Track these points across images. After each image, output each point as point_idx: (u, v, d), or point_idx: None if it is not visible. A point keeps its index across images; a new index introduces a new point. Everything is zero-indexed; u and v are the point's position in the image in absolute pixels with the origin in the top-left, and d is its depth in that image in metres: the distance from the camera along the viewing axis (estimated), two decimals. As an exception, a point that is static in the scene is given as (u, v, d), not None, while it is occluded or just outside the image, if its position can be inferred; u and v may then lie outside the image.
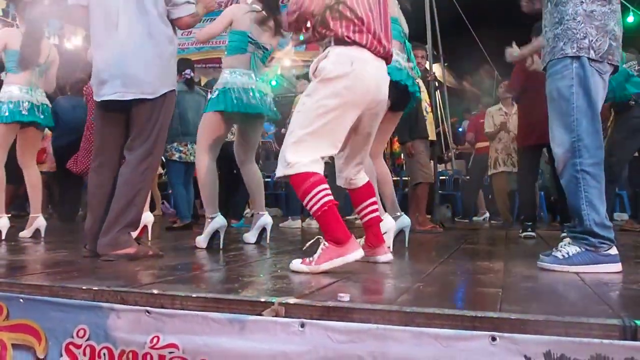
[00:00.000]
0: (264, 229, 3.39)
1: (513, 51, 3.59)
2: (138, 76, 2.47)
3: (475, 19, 7.64)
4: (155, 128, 2.53)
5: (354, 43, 2.07)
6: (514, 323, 1.28)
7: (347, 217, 6.37)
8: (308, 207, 2.06)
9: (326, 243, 2.04)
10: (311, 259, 2.04)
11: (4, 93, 3.57)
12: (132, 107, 2.51)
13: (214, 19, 3.46)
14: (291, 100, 5.82)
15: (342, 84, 2.04)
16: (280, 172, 2.10)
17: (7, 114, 3.50)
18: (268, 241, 3.41)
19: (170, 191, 8.42)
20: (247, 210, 6.48)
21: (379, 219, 2.40)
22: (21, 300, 1.64)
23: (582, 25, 2.11)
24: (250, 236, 3.38)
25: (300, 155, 2.04)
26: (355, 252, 2.04)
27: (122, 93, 2.47)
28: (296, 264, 2.06)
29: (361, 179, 2.37)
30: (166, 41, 2.55)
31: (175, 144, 4.93)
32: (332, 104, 2.03)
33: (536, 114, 3.62)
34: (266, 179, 6.83)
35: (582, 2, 2.12)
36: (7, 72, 3.63)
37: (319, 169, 2.07)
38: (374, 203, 2.39)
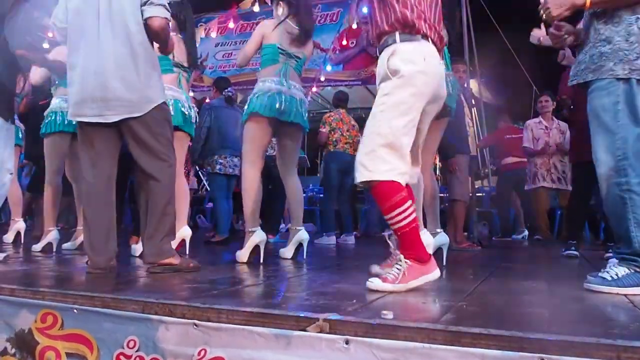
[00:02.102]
0: (300, 245, 3.41)
1: (539, 34, 3.24)
2: (120, 97, 2.43)
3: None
4: (160, 140, 2.53)
5: (420, 35, 2.08)
6: (563, 345, 1.26)
7: (385, 233, 6.34)
8: (393, 220, 2.00)
9: (408, 261, 2.00)
10: (393, 277, 1.99)
11: (54, 104, 3.72)
12: (121, 124, 2.50)
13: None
14: (320, 118, 5.88)
15: (420, 79, 2.03)
16: (364, 176, 2.01)
17: (58, 123, 3.63)
18: (305, 257, 3.43)
19: (207, 205, 8.61)
20: (282, 226, 6.54)
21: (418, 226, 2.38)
22: (75, 310, 1.70)
23: (636, 45, 2.05)
24: (287, 251, 3.41)
25: (388, 163, 1.98)
26: (436, 272, 2.05)
27: (106, 116, 2.46)
28: (378, 283, 1.99)
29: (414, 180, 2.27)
30: (148, 53, 2.52)
31: (216, 157, 5.03)
32: (412, 101, 2.03)
33: (586, 129, 3.51)
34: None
35: (637, 19, 2.07)
36: (58, 84, 3.77)
37: (405, 180, 2.03)
38: (415, 210, 2.37)
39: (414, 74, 2.03)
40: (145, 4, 2.47)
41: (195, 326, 1.53)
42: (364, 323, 1.41)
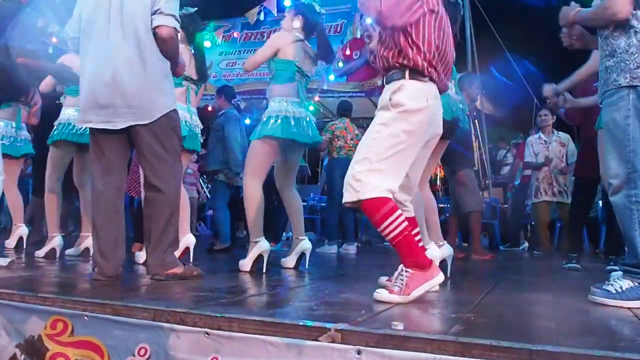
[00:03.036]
0: (302, 254, 3.42)
1: (550, 89, 3.52)
2: (130, 103, 2.44)
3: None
4: (168, 148, 2.53)
5: (428, 77, 2.16)
6: (573, 358, 1.28)
7: (386, 243, 6.36)
8: (386, 232, 2.05)
9: (409, 270, 2.03)
10: (398, 288, 2.02)
11: (63, 115, 3.76)
12: (129, 130, 2.51)
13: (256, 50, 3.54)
14: (321, 126, 5.92)
15: (417, 118, 2.11)
16: (352, 197, 2.08)
17: (64, 133, 3.68)
18: (307, 266, 3.44)
19: (208, 212, 8.61)
20: (284, 234, 6.54)
21: (424, 249, 2.41)
22: (86, 317, 1.71)
23: (636, 56, 2.11)
24: (289, 261, 3.41)
25: (374, 182, 2.05)
26: (439, 276, 2.08)
27: (114, 122, 2.47)
28: (385, 294, 2.02)
29: (411, 210, 2.38)
30: (159, 60, 2.53)
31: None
32: (406, 137, 2.10)
33: (592, 145, 3.55)
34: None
35: (636, 33, 2.13)
36: (66, 94, 3.81)
37: (392, 196, 2.09)
38: (419, 233, 2.41)
39: (413, 112, 2.11)
40: (155, 12, 2.49)
41: (206, 335, 1.55)
42: (376, 334, 1.43)
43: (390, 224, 2.03)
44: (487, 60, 7.90)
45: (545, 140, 5.81)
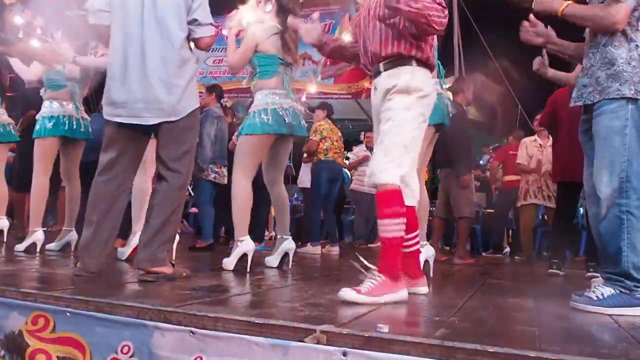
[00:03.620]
0: (286, 254, 3.41)
1: (542, 62, 3.06)
2: (161, 100, 2.46)
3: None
4: (185, 147, 2.55)
5: (429, 67, 2.29)
6: (557, 363, 1.30)
7: (370, 245, 6.39)
8: (385, 228, 2.09)
9: (382, 275, 2.05)
10: (366, 289, 2.02)
11: (45, 108, 3.69)
12: (155, 128, 2.52)
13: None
14: (309, 127, 5.91)
15: (429, 102, 2.26)
16: (382, 178, 2.11)
17: (48, 128, 3.61)
18: (290, 266, 3.43)
19: (191, 210, 8.54)
20: (266, 233, 6.53)
21: (419, 251, 2.43)
22: (68, 314, 1.69)
23: (638, 70, 2.12)
24: (273, 260, 3.39)
25: (402, 168, 2.14)
26: (402, 292, 2.10)
27: (145, 118, 2.47)
28: (350, 293, 2.01)
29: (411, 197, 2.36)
30: (188, 62, 2.56)
31: (212, 165, 5.01)
32: (423, 119, 2.23)
33: (576, 149, 3.56)
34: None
35: (637, 46, 2.14)
36: (47, 87, 3.75)
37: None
38: (418, 235, 2.43)
39: (427, 97, 2.24)
40: (193, 22, 2.54)
41: (191, 333, 1.53)
42: (361, 336, 1.43)
43: (395, 224, 2.08)
44: (474, 63, 7.97)
45: (540, 144, 5.77)
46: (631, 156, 2.09)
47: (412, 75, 2.21)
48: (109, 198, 2.50)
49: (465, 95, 4.92)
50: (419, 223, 2.42)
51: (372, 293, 2.01)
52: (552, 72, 3.08)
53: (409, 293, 2.25)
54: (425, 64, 2.26)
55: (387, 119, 2.18)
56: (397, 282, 2.07)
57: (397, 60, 2.24)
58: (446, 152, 4.76)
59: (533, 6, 2.32)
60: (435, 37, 2.84)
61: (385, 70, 2.26)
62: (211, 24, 2.59)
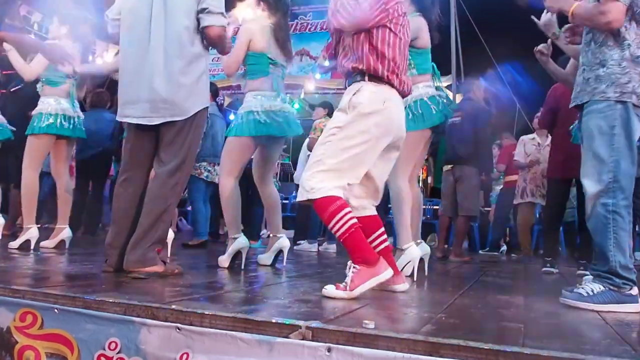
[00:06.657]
0: (280, 251, 3.41)
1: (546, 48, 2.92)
2: (167, 99, 2.45)
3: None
4: (186, 144, 2.52)
5: (387, 83, 2.21)
6: (537, 359, 1.30)
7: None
8: (334, 229, 2.10)
9: (356, 266, 2.07)
10: (345, 284, 2.05)
11: (42, 105, 3.69)
12: (161, 126, 2.52)
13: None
14: (309, 124, 5.89)
15: (373, 120, 2.16)
16: (302, 196, 2.15)
17: (43, 126, 3.61)
18: (284, 264, 3.44)
19: (189, 208, 8.56)
20: (264, 231, 6.54)
21: (390, 248, 2.43)
22: (56, 310, 1.69)
23: (627, 70, 2.11)
24: (266, 258, 3.39)
25: (325, 182, 2.11)
26: (386, 272, 2.10)
27: (150, 118, 2.48)
28: (331, 290, 2.05)
29: (372, 208, 2.40)
30: (197, 59, 2.53)
31: (204, 163, 5.02)
32: (362, 139, 2.15)
33: (568, 147, 3.55)
34: (284, 201, 6.90)
35: (629, 45, 2.14)
36: (44, 83, 3.74)
37: (342, 194, 2.13)
38: (384, 233, 2.42)
39: (369, 114, 2.17)
40: (202, 11, 2.49)
41: (178, 330, 1.54)
42: (346, 332, 1.44)
43: (338, 221, 2.07)
44: (473, 66, 7.97)
45: (538, 143, 5.74)
46: (619, 156, 2.09)
47: (357, 91, 2.19)
48: (129, 200, 2.54)
49: (476, 95, 5.03)
50: (381, 222, 2.41)
51: (352, 286, 2.03)
52: (552, 64, 3.05)
53: (387, 290, 2.27)
54: (378, 79, 2.21)
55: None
56: (374, 265, 2.08)
57: (354, 76, 2.25)
58: (466, 147, 4.78)
59: (546, 3, 2.35)
60: (429, 44, 2.86)
61: (347, 87, 2.28)
62: (222, 14, 2.53)
